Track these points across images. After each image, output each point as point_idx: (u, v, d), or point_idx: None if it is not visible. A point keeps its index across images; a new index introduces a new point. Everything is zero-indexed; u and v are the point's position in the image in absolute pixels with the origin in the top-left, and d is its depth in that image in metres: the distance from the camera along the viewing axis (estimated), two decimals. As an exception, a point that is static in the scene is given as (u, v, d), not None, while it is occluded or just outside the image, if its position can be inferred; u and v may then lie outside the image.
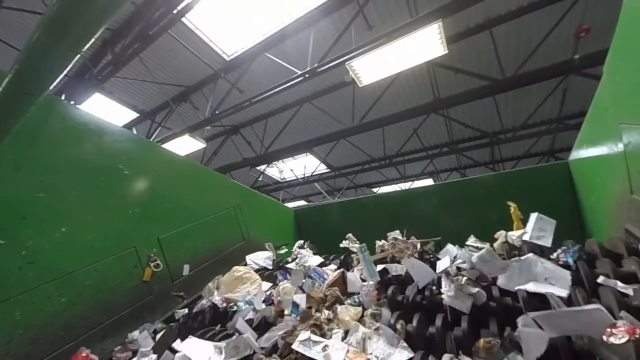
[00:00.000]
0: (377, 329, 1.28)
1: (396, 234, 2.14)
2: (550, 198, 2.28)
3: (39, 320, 1.53)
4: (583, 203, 2.23)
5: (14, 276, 1.50)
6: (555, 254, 1.46)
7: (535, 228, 1.59)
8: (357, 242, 2.26)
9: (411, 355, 1.14)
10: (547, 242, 1.53)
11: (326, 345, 1.28)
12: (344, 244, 2.26)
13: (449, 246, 1.80)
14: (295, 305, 1.64)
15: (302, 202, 14.96)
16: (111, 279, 1.84)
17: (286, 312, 1.65)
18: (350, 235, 2.34)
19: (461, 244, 1.87)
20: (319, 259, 2.37)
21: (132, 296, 1.93)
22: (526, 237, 1.58)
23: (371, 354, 1.22)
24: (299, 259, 2.35)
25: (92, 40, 0.94)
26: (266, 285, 2.14)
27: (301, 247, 2.52)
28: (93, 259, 1.79)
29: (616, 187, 1.56)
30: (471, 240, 1.89)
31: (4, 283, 1.48)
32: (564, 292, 1.10)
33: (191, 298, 2.20)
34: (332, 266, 2.26)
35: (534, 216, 1.64)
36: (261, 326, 1.68)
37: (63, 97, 6.17)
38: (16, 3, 4.94)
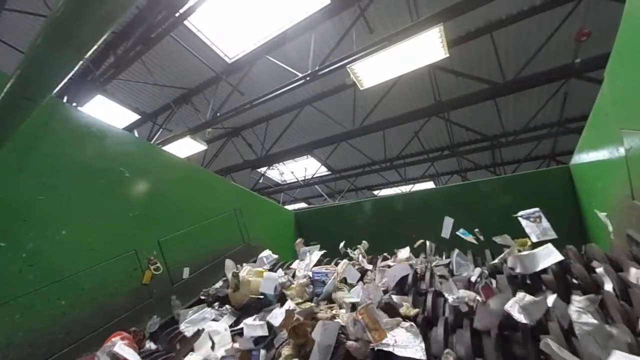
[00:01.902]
0: (410, 325, 1.28)
1: (406, 252, 2.08)
2: (551, 202, 2.27)
3: (39, 323, 1.53)
4: (584, 208, 2.22)
5: (14, 279, 1.50)
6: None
7: (530, 227, 1.57)
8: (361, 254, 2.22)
9: (424, 358, 1.13)
10: (552, 233, 1.51)
11: None
12: (354, 254, 2.22)
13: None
14: None
15: (302, 205, 14.96)
16: (111, 282, 1.84)
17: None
18: (365, 243, 2.31)
19: (462, 248, 1.87)
20: (318, 255, 2.34)
21: (132, 299, 1.92)
22: (534, 239, 1.55)
23: (393, 337, 1.22)
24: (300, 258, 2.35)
25: (96, 45, 0.95)
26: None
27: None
28: (93, 262, 1.79)
29: (617, 192, 1.55)
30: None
31: (4, 286, 1.47)
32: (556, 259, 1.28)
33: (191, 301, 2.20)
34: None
35: (521, 218, 1.61)
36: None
37: (65, 99, 6.20)
38: (19, 5, 4.98)
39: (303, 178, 11.92)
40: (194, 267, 2.33)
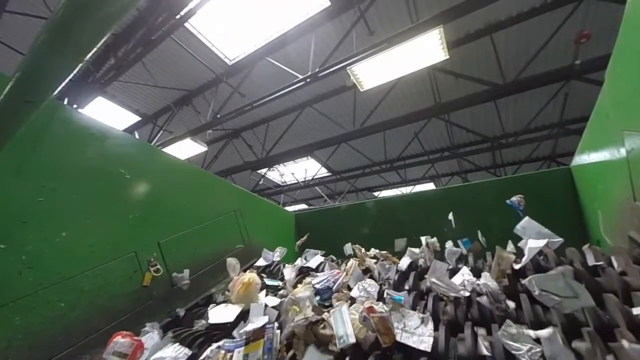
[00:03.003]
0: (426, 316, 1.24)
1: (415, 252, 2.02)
2: (552, 204, 2.27)
3: (39, 326, 1.52)
4: (585, 209, 2.22)
5: (13, 281, 1.49)
6: None
7: (529, 233, 1.56)
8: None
9: (428, 349, 1.10)
10: (555, 237, 1.48)
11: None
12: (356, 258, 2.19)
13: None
14: None
15: (303, 206, 14.95)
16: (111, 284, 1.83)
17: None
18: (373, 250, 2.28)
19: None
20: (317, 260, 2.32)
21: (132, 301, 1.91)
22: (545, 245, 1.48)
23: (403, 321, 1.18)
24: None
25: (96, 47, 0.95)
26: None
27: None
28: (93, 264, 1.78)
29: (619, 194, 1.55)
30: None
31: (4, 288, 1.46)
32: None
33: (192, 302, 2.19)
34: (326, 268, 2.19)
35: (521, 234, 1.57)
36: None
37: (66, 101, 6.21)
38: (19, 7, 4.99)
39: (303, 179, 11.92)
40: (194, 269, 2.32)
